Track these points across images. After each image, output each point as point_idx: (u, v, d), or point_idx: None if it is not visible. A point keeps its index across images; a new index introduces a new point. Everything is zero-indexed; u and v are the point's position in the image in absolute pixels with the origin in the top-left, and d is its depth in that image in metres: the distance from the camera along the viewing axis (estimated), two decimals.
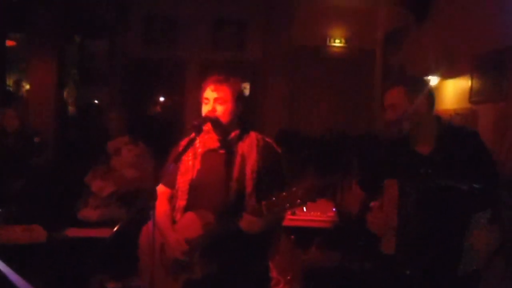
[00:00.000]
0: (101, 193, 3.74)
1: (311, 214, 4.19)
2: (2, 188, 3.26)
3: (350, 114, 6.66)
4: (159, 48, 6.84)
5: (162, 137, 6.46)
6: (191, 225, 2.23)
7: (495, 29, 3.71)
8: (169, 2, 6.71)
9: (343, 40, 6.63)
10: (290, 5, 6.46)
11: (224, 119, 2.26)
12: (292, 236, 4.43)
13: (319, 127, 6.44)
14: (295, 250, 4.24)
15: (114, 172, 3.84)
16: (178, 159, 2.16)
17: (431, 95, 2.24)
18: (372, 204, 2.29)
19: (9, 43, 4.05)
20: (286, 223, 3.91)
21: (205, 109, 2.28)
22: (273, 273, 3.79)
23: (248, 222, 2.13)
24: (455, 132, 2.25)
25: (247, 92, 7.10)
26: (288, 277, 3.81)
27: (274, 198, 2.08)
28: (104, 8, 6.13)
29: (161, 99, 7.30)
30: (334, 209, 4.17)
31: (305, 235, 4.06)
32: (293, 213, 2.24)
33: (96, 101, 6.65)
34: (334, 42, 6.66)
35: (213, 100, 2.26)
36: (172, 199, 2.38)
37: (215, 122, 2.23)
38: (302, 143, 5.58)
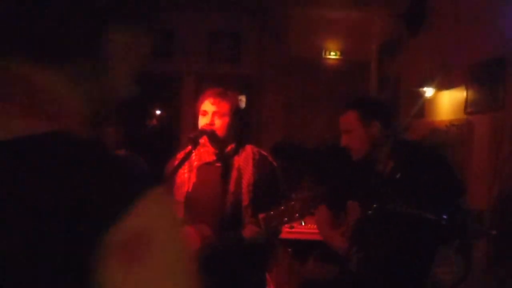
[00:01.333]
0: None
1: (308, 227, 4.19)
2: None
3: None
4: (155, 61, 6.86)
5: (159, 150, 6.49)
6: (189, 239, 2.23)
7: (489, 40, 3.74)
8: (165, 16, 6.75)
9: (338, 53, 6.68)
10: (285, 18, 6.52)
11: (222, 133, 2.28)
12: (290, 249, 4.41)
13: (315, 139, 6.46)
14: (293, 263, 4.23)
15: None
16: (174, 172, 2.16)
17: (385, 113, 2.24)
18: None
19: None
20: (283, 236, 3.92)
21: (202, 122, 2.30)
22: (271, 286, 3.77)
23: (252, 232, 2.14)
24: (414, 151, 2.24)
25: (243, 104, 7.13)
26: None
27: (272, 212, 2.08)
28: (88, 25, 6.14)
29: (158, 112, 7.31)
30: None
31: (302, 248, 4.05)
32: (291, 227, 2.25)
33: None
34: (330, 55, 6.71)
35: (212, 113, 2.27)
36: None
37: (212, 135, 2.25)
38: (298, 155, 5.59)
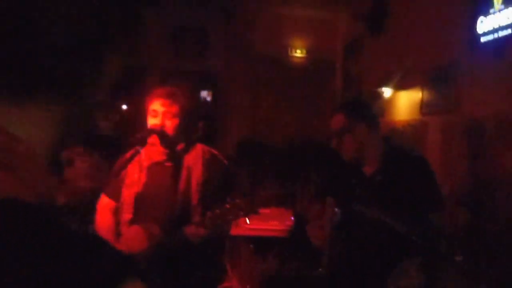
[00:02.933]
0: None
1: (270, 224, 4.23)
2: None
3: (311, 123, 6.75)
4: (120, 56, 6.78)
5: (119, 146, 6.41)
6: (136, 238, 2.22)
7: (443, 44, 3.84)
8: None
9: (304, 50, 6.73)
10: (251, 15, 6.53)
11: (171, 132, 2.24)
12: (251, 245, 4.45)
13: (281, 136, 6.50)
14: (254, 259, 4.26)
15: (67, 183, 3.77)
16: (119, 172, 2.15)
17: (372, 118, 2.29)
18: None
19: None
20: (245, 232, 3.95)
21: (152, 122, 2.25)
22: (233, 282, 3.79)
23: (192, 234, 2.14)
24: (400, 154, 2.27)
25: (209, 99, 7.12)
26: (248, 286, 3.83)
27: (217, 210, 2.09)
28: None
29: (122, 107, 7.22)
30: (292, 218, 4.22)
31: (264, 244, 4.08)
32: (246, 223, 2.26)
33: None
34: (295, 52, 6.75)
35: (162, 113, 2.23)
36: (116, 212, 2.35)
37: (161, 135, 2.21)
38: (263, 152, 5.62)
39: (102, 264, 0.57)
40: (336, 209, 2.15)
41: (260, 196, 5.02)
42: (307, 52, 6.77)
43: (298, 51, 6.76)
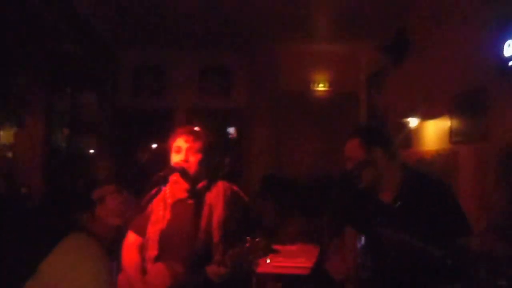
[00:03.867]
0: None
1: (296, 261, 4.15)
2: None
3: (336, 156, 6.66)
4: (147, 97, 6.96)
5: (148, 184, 6.46)
6: (160, 276, 2.20)
7: (470, 70, 3.78)
8: (156, 53, 6.87)
9: (326, 84, 6.74)
10: (273, 52, 6.62)
11: (194, 169, 2.28)
12: (280, 284, 4.35)
13: (306, 171, 6.45)
14: None
15: (99, 221, 3.80)
16: (143, 209, 2.15)
17: (388, 144, 2.25)
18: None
19: None
20: (271, 270, 3.88)
21: (176, 158, 2.31)
22: None
23: (215, 273, 2.11)
24: (418, 180, 2.22)
25: (235, 136, 7.17)
26: None
27: (237, 249, 2.08)
28: (94, 60, 6.27)
29: (150, 147, 7.33)
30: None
31: (292, 282, 4.00)
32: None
33: (91, 151, 6.68)
34: (318, 86, 6.76)
35: (186, 150, 2.29)
36: (142, 248, 2.36)
37: (183, 172, 2.25)
38: (288, 188, 5.57)
39: None
40: (359, 235, 2.10)
41: (286, 232, 4.95)
42: (330, 86, 6.78)
43: (321, 85, 6.78)
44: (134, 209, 4.17)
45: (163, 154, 7.42)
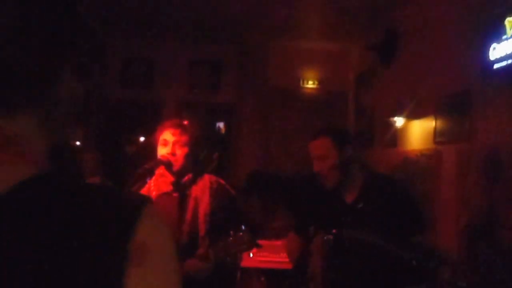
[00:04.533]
0: None
1: (281, 256, 4.18)
2: None
3: None
4: (136, 89, 6.94)
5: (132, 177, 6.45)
6: None
7: (455, 73, 3.83)
8: (146, 44, 6.84)
9: (316, 82, 6.77)
10: (264, 48, 6.63)
11: (180, 162, 2.29)
12: (263, 278, 4.38)
13: (292, 167, 6.48)
14: None
15: None
16: None
17: (351, 145, 2.29)
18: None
19: None
20: (255, 264, 3.90)
21: (162, 151, 2.31)
22: None
23: (194, 268, 2.12)
24: (378, 180, 2.27)
25: (223, 131, 7.18)
26: None
27: (221, 243, 2.09)
28: (81, 50, 6.22)
29: (139, 139, 7.32)
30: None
31: (275, 277, 4.03)
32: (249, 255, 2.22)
33: (77, 143, 6.64)
34: (307, 84, 6.79)
35: (173, 143, 2.30)
36: None
37: (169, 165, 2.26)
38: (274, 183, 5.59)
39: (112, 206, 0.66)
40: (326, 237, 2.11)
41: (271, 227, 4.97)
42: (319, 83, 6.81)
43: (310, 82, 6.80)
44: None
45: (151, 147, 7.42)
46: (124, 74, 6.96)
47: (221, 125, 7.18)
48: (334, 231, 2.11)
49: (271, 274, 4.21)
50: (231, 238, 2.06)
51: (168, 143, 2.31)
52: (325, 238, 2.10)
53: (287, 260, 4.02)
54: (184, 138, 2.32)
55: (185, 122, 2.40)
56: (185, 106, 6.83)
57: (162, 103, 6.98)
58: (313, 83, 6.76)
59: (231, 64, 6.91)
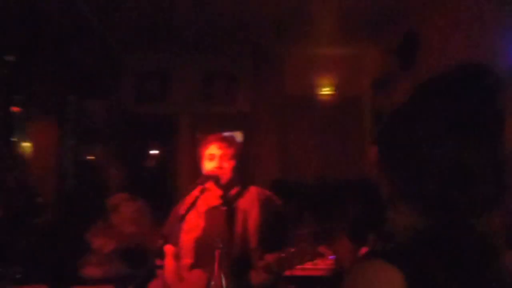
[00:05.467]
0: (103, 250, 3.70)
1: (309, 263, 4.14)
2: (6, 249, 3.25)
3: (342, 160, 6.72)
4: (152, 103, 6.96)
5: (156, 190, 6.48)
6: (199, 282, 2.22)
7: None
8: (160, 59, 6.87)
9: (332, 88, 6.77)
10: (278, 57, 6.65)
11: (228, 176, 2.32)
12: (293, 286, 4.36)
13: (312, 174, 6.48)
14: None
15: (114, 229, 3.82)
16: (183, 218, 2.16)
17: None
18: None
19: (14, 109, 4.14)
20: (288, 272, 3.89)
21: (209, 166, 2.33)
22: None
23: (259, 279, 2.13)
24: None
25: (240, 141, 7.18)
26: None
27: (283, 255, 2.09)
28: (99, 68, 6.26)
29: (155, 152, 7.34)
30: (332, 256, 4.14)
31: (306, 284, 4.01)
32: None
33: (92, 157, 6.67)
34: (323, 90, 6.79)
35: (219, 157, 2.33)
36: (177, 256, 2.38)
37: (217, 180, 2.28)
38: (295, 191, 5.59)
39: None
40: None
41: (297, 235, 4.96)
42: (335, 90, 6.81)
43: (326, 89, 6.81)
44: (149, 216, 4.18)
45: (168, 160, 7.38)
46: (139, 87, 6.98)
47: (238, 135, 7.19)
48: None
49: (301, 282, 4.19)
50: (292, 250, 2.06)
51: (215, 157, 2.33)
52: (380, 248, 2.08)
53: (316, 266, 4.01)
54: (230, 151, 2.35)
55: (230, 135, 2.42)
56: (200, 118, 6.85)
57: (177, 115, 7.01)
58: (329, 89, 6.77)
59: (246, 74, 6.93)
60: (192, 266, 2.29)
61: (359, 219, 2.38)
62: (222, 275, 2.18)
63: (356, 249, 2.31)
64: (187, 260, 2.30)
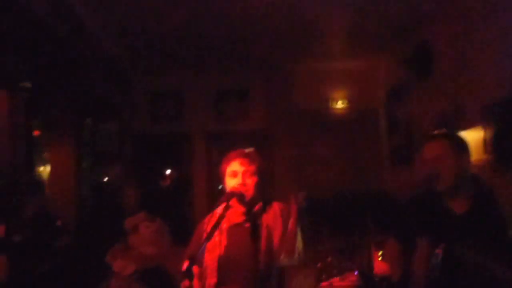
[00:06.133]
0: (123, 272, 3.66)
1: (332, 280, 4.07)
2: (30, 272, 3.25)
3: (359, 173, 6.66)
4: (165, 122, 6.99)
5: (173, 210, 6.47)
6: None
7: (503, 78, 3.76)
8: (173, 78, 6.91)
9: (345, 101, 6.74)
10: (291, 72, 6.65)
11: (251, 192, 2.29)
12: None
13: (328, 190, 6.41)
14: None
15: (133, 250, 3.78)
16: (209, 237, 2.12)
17: (469, 152, 2.20)
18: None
19: (35, 133, 4.19)
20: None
21: (232, 182, 2.30)
22: None
23: None
24: (490, 194, 2.15)
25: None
26: None
27: (311, 270, 2.04)
28: (112, 89, 6.31)
29: (170, 172, 7.33)
30: (356, 273, 4.05)
31: None
32: (331, 285, 2.16)
33: (108, 179, 6.69)
34: (337, 104, 6.77)
35: (242, 173, 2.30)
36: (201, 277, 2.33)
37: (241, 197, 2.25)
38: (314, 206, 5.53)
39: None
40: (437, 251, 2.02)
41: (320, 250, 4.89)
42: (349, 103, 6.78)
43: (340, 102, 6.78)
44: (168, 237, 4.14)
45: (184, 178, 7.38)
46: (152, 108, 7.02)
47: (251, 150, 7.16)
48: (443, 245, 2.02)
49: None
50: (319, 265, 2.02)
51: (238, 173, 2.31)
52: (435, 252, 2.02)
53: (339, 283, 3.93)
54: (253, 167, 2.33)
55: (251, 151, 2.39)
56: (215, 136, 6.85)
57: (192, 134, 7.02)
58: (343, 103, 6.74)
59: (259, 90, 6.94)
60: (216, 286, 2.24)
61: (408, 223, 2.31)
62: None
63: (404, 252, 2.25)
64: (211, 279, 2.25)
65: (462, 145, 2.18)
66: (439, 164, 2.12)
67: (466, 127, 4.27)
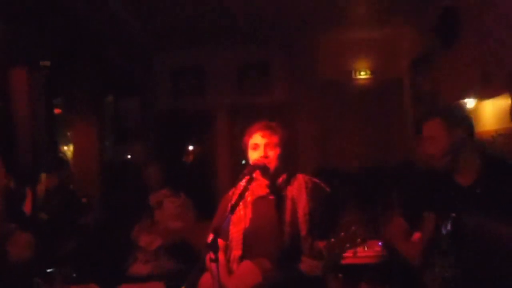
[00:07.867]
0: (149, 247, 3.74)
1: (357, 250, 4.06)
2: (57, 249, 3.32)
3: (383, 144, 6.59)
4: (187, 98, 7.00)
5: (197, 185, 6.53)
6: (249, 274, 2.19)
7: None
8: (193, 54, 6.88)
9: (368, 72, 6.63)
10: (312, 43, 6.53)
11: (274, 165, 2.28)
12: (340, 275, 4.30)
13: (352, 162, 6.37)
14: None
15: (159, 225, 3.84)
16: (233, 210, 2.12)
17: (470, 124, 2.17)
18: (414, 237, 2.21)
19: (56, 111, 4.24)
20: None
21: (254, 155, 2.29)
22: None
23: (310, 266, 2.08)
24: (500, 165, 2.13)
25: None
26: None
27: (333, 240, 2.03)
28: (133, 66, 6.32)
29: (193, 148, 7.38)
30: (380, 244, 4.04)
31: (353, 273, 3.93)
32: (355, 253, 2.14)
33: (129, 156, 6.76)
34: (360, 75, 6.66)
35: (264, 145, 2.28)
36: (226, 249, 2.35)
37: (264, 169, 2.24)
38: (339, 179, 5.52)
39: None
40: (442, 222, 2.01)
41: (343, 223, 4.89)
42: (372, 73, 6.67)
43: (363, 73, 6.67)
44: (192, 210, 4.19)
45: (207, 153, 7.42)
46: (174, 84, 7.03)
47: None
48: (453, 214, 2.00)
49: (348, 270, 4.12)
50: (342, 234, 2.00)
51: (259, 146, 2.30)
52: (443, 224, 2.01)
53: (364, 254, 3.92)
54: (275, 139, 2.30)
55: (273, 123, 2.37)
56: (237, 110, 6.84)
57: (214, 109, 7.02)
58: (366, 73, 6.63)
59: (280, 64, 6.87)
60: (242, 258, 2.26)
61: (414, 199, 2.30)
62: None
63: (411, 229, 2.24)
64: (236, 252, 2.27)
65: (457, 121, 2.13)
66: (432, 144, 2.13)
67: (492, 95, 4.17)
